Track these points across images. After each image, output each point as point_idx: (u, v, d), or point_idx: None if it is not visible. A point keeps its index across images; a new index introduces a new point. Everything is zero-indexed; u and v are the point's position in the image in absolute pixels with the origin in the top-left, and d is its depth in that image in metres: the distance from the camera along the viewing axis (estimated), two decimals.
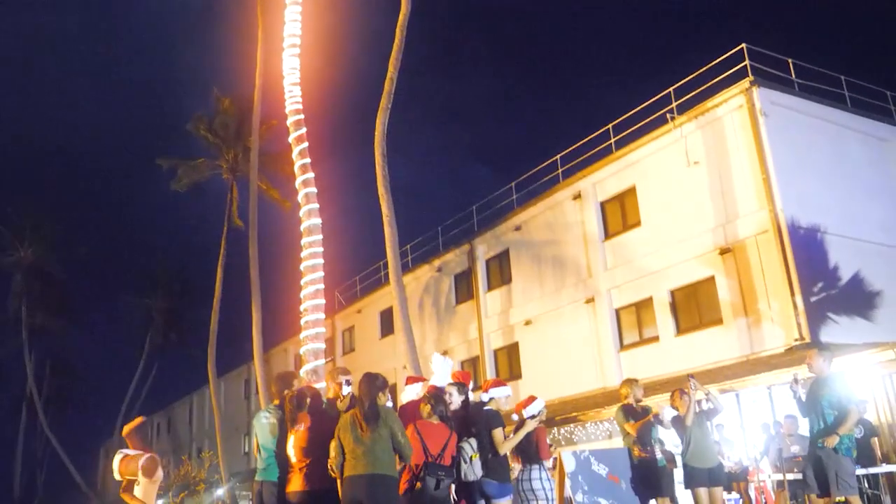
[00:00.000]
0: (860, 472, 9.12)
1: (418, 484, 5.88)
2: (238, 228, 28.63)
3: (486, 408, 6.97)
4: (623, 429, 8.80)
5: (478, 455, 6.49)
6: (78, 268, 46.04)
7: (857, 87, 18.79)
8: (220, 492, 25.28)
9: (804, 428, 8.90)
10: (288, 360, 34.86)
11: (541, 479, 7.34)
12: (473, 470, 6.40)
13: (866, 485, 9.20)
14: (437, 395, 6.42)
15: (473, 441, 6.58)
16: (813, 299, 15.43)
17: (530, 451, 7.39)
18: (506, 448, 6.76)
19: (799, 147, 16.71)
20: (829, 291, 15.83)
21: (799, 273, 15.30)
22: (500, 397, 7.12)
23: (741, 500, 13.07)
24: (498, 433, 6.68)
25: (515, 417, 8.13)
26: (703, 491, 7.92)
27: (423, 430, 6.09)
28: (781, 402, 13.37)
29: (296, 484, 5.97)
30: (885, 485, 9.24)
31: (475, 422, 6.80)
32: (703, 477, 8.04)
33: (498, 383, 7.28)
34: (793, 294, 15.22)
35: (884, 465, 9.41)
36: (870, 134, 18.52)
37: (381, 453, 5.62)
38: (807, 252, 15.69)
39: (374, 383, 5.80)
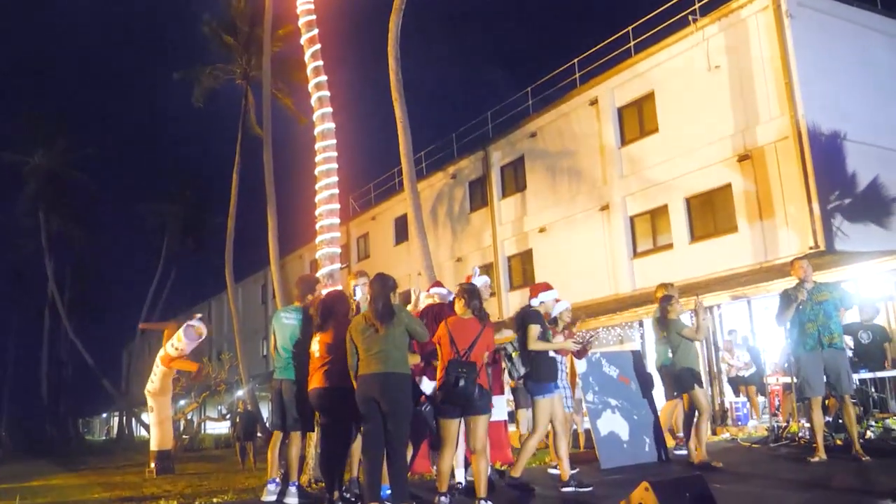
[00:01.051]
0: (868, 375, 9.31)
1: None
2: (253, 135, 28.43)
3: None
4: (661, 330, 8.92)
5: (518, 353, 6.56)
6: (94, 174, 45.89)
7: None
8: (240, 392, 26.04)
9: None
10: (304, 266, 35.33)
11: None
12: (517, 368, 6.48)
13: (873, 389, 9.37)
14: (470, 290, 6.16)
15: (515, 340, 6.68)
16: (830, 206, 15.33)
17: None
18: (537, 346, 6.68)
19: (824, 51, 16.24)
20: (846, 199, 15.69)
21: (817, 180, 15.15)
22: (549, 300, 7.16)
23: (748, 404, 13.38)
24: (533, 329, 6.67)
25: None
26: (700, 391, 8.04)
27: (453, 327, 5.98)
28: None
29: (316, 381, 6.10)
30: (893, 389, 9.43)
31: (515, 321, 6.88)
32: (701, 377, 8.23)
33: (545, 287, 7.27)
34: (810, 201, 15.13)
35: (893, 370, 9.61)
36: None
37: (395, 352, 5.66)
38: (827, 159, 15.47)
39: (386, 283, 5.84)
